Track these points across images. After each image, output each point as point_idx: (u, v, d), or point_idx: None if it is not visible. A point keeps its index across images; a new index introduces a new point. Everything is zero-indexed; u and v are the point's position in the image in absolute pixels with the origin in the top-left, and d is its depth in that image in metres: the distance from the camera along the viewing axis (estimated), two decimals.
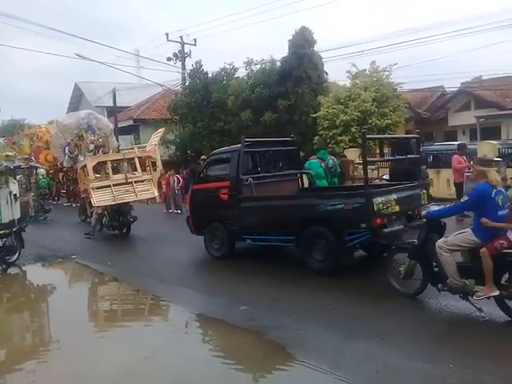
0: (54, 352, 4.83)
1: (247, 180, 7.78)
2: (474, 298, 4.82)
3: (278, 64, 20.05)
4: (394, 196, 6.73)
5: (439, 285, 5.15)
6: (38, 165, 15.51)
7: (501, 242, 4.68)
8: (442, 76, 50.08)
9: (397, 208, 6.64)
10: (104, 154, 15.92)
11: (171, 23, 79.53)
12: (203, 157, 22.27)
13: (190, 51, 25.44)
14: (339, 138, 17.11)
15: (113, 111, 28.30)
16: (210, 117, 21.73)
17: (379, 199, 6.48)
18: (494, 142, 15.30)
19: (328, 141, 17.49)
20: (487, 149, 13.75)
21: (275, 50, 59.86)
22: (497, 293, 4.73)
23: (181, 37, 25.32)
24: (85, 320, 5.59)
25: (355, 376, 3.80)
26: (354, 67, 18.52)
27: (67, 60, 77.17)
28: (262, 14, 63.81)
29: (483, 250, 4.68)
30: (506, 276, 4.83)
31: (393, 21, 68.26)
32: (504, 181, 11.44)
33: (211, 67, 23.04)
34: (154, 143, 12.59)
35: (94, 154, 15.83)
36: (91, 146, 16.60)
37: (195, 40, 25.55)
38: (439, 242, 5.03)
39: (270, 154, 8.81)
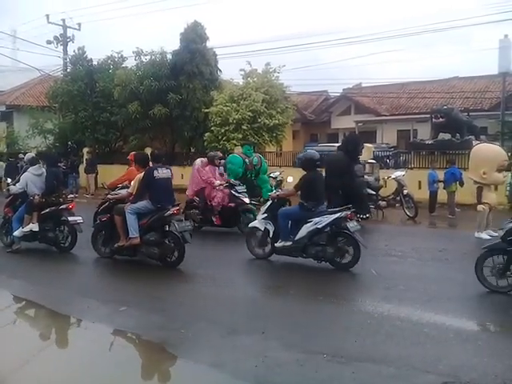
0: None
1: None
2: None
3: (169, 57, 19.55)
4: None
5: None
6: None
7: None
8: (327, 81, 53.20)
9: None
10: None
11: (54, 3, 73.12)
12: (86, 149, 20.96)
13: (73, 36, 23.70)
14: (231, 136, 17.26)
15: None
16: (94, 107, 20.45)
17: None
18: (370, 145, 16.67)
19: (220, 137, 17.56)
20: (364, 151, 14.86)
21: (167, 42, 58.60)
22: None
23: (63, 20, 23.48)
24: None
25: (235, 372, 3.75)
26: (249, 65, 18.79)
27: None
28: (154, 4, 62.04)
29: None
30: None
31: (285, 24, 71.11)
32: (377, 181, 12.50)
33: (97, 55, 21.77)
34: None
35: None
36: None
37: (79, 24, 23.88)
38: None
39: None
